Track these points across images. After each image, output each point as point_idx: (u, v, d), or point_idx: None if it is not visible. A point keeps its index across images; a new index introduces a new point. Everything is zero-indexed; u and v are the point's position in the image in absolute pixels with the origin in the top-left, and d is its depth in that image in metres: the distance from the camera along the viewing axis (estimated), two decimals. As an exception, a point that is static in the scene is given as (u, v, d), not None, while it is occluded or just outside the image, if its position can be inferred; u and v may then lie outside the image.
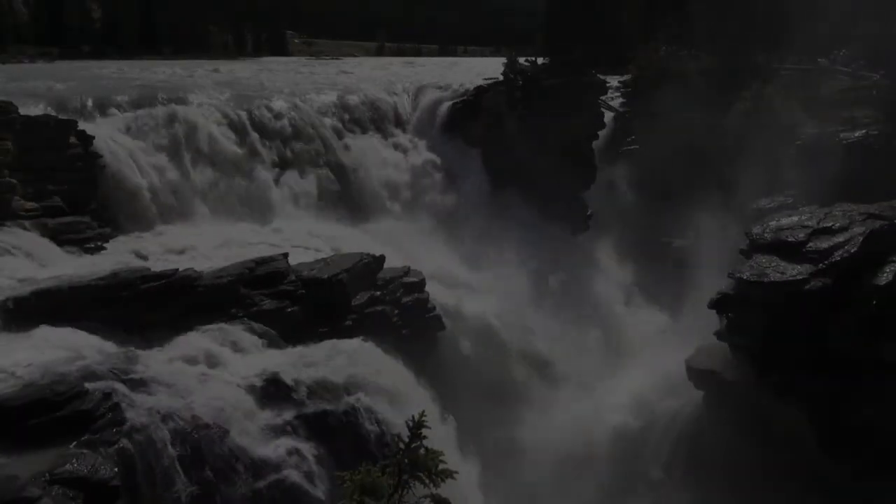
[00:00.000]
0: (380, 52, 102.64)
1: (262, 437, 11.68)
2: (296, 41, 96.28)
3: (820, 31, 24.06)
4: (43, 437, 9.72)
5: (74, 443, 9.83)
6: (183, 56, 63.29)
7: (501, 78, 29.48)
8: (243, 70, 46.15)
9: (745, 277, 14.98)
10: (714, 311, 16.22)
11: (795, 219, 15.92)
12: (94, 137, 18.80)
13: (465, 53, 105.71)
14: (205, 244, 18.45)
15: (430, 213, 25.72)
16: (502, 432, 18.34)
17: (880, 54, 22.62)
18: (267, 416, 11.99)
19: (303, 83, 34.63)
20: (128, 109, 21.57)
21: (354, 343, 14.48)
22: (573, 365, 21.86)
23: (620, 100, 33.07)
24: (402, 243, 21.83)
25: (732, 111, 24.60)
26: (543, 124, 27.77)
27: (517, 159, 27.51)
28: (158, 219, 19.68)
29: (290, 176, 23.40)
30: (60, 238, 16.56)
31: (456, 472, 6.14)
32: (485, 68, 35.07)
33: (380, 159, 26.01)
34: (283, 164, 23.51)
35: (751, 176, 20.64)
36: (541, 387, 20.65)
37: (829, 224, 15.25)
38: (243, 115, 23.44)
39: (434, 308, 18.21)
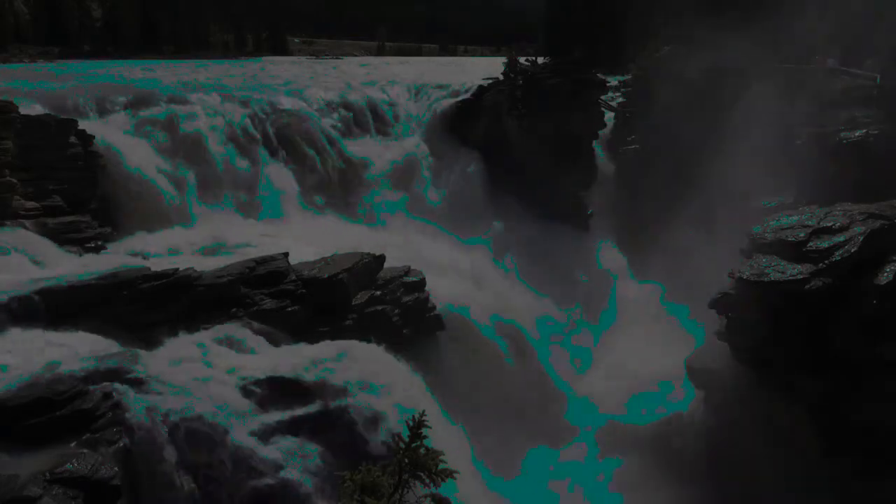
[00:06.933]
0: (380, 52, 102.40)
1: (262, 437, 11.65)
2: (296, 40, 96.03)
3: (822, 31, 24.04)
4: (43, 437, 9.73)
5: (75, 442, 9.84)
6: (184, 55, 63.24)
7: (502, 77, 29.47)
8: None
9: (745, 277, 14.96)
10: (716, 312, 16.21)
11: (796, 218, 15.90)
12: (94, 137, 18.80)
13: (466, 53, 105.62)
14: (205, 243, 18.42)
15: (430, 212, 25.70)
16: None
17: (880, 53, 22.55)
18: (267, 416, 11.96)
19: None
20: (128, 109, 21.55)
21: (354, 342, 14.47)
22: (573, 363, 21.88)
23: (620, 100, 33.04)
24: (402, 242, 21.83)
25: (732, 110, 24.55)
26: (544, 124, 27.77)
27: (517, 158, 27.52)
28: (159, 218, 19.65)
29: (292, 174, 23.39)
30: (61, 238, 16.57)
31: (457, 472, 6.14)
32: (486, 68, 35.04)
33: (380, 158, 26.00)
34: (284, 163, 23.48)
35: (751, 175, 20.62)
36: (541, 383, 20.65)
37: (830, 224, 15.23)
38: (246, 112, 23.45)
39: (434, 307, 18.14)
